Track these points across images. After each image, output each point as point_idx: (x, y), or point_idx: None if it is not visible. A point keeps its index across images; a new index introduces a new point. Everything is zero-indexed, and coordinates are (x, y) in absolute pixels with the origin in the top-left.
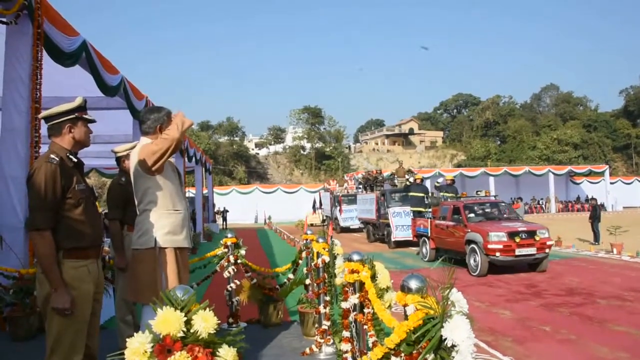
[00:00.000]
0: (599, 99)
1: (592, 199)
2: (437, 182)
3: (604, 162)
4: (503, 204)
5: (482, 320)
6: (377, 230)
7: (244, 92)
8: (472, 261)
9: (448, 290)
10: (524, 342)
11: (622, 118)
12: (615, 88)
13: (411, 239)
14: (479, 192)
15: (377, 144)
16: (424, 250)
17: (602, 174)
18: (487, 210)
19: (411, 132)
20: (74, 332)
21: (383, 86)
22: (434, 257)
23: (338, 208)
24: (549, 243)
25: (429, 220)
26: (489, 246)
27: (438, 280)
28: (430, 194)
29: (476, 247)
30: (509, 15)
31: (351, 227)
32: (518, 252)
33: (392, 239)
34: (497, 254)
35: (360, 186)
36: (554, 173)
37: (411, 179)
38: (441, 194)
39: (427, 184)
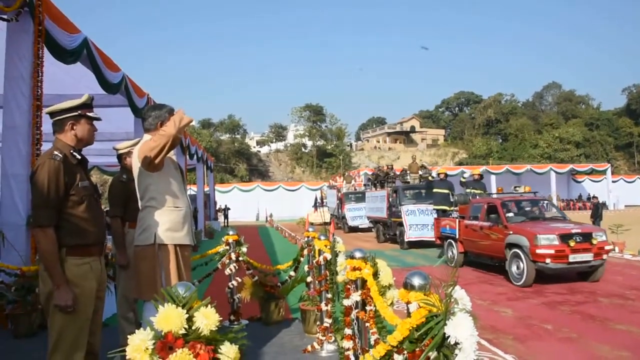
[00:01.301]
0: (601, 98)
1: (594, 197)
2: (463, 178)
3: (606, 160)
4: (546, 202)
5: (483, 318)
6: (388, 229)
7: (245, 90)
8: (514, 268)
9: (451, 288)
10: (526, 341)
11: (624, 116)
12: (617, 86)
13: (427, 239)
14: (517, 188)
15: (378, 141)
16: (449, 254)
17: (604, 172)
18: (529, 208)
19: (413, 130)
20: (76, 330)
21: (385, 84)
22: (462, 262)
23: (344, 205)
24: (607, 248)
25: (457, 220)
26: (538, 251)
27: (441, 278)
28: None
29: (520, 252)
30: (511, 13)
31: (360, 226)
32: (572, 258)
33: (406, 239)
34: (547, 260)
35: (369, 183)
36: (555, 171)
37: (434, 174)
38: (467, 190)
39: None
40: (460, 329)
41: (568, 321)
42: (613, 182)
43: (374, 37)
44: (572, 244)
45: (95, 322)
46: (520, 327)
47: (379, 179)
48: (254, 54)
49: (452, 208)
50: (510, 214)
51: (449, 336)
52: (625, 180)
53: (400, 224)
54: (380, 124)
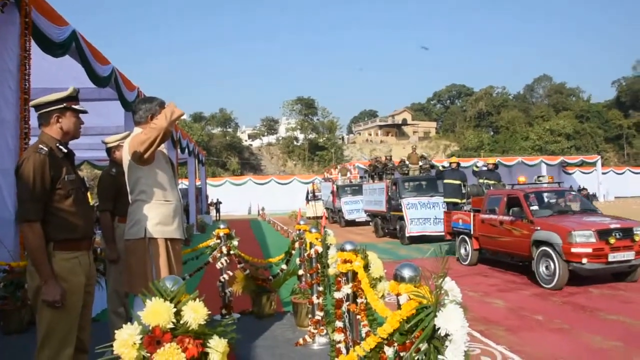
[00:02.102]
0: (592, 90)
1: (584, 189)
2: (476, 167)
3: (596, 152)
4: (573, 194)
5: (475, 309)
6: (387, 223)
7: (237, 84)
8: (542, 269)
9: (441, 280)
10: (517, 332)
11: (614, 109)
12: (607, 79)
13: (429, 234)
14: (540, 178)
15: (370, 134)
16: (462, 251)
17: (594, 164)
18: (553, 200)
19: (404, 122)
20: (65, 325)
21: (376, 77)
22: (477, 260)
23: (340, 199)
24: None
25: (471, 214)
26: (573, 250)
27: (431, 270)
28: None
29: (551, 251)
30: (503, 6)
31: (357, 220)
32: (612, 257)
33: (407, 234)
34: (584, 260)
35: (367, 175)
36: (546, 163)
37: (445, 164)
38: (480, 181)
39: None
40: (451, 320)
41: (559, 312)
42: (603, 173)
43: (365, 31)
44: (612, 241)
45: (84, 318)
46: (511, 318)
47: (377, 170)
48: (246, 47)
49: (463, 200)
50: (535, 207)
51: (439, 328)
52: (615, 172)
53: (401, 218)
54: (372, 116)
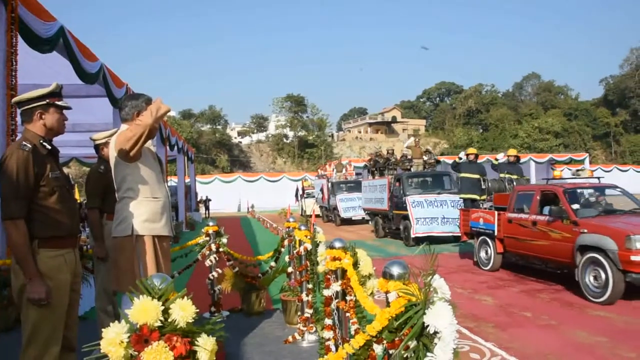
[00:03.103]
0: (580, 88)
1: None
2: (496, 159)
3: (584, 150)
4: (618, 190)
5: (464, 306)
6: (389, 223)
7: (226, 80)
8: (589, 279)
9: (430, 277)
10: (506, 328)
11: (601, 107)
12: (595, 77)
13: (436, 234)
14: (579, 172)
15: (360, 132)
16: (483, 254)
17: (582, 162)
18: (594, 199)
19: (394, 120)
20: (51, 323)
21: (366, 75)
22: (500, 264)
23: (335, 196)
24: None
25: (495, 212)
26: (633, 257)
27: (421, 267)
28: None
29: (602, 258)
30: (492, 4)
31: (353, 218)
32: None
33: (412, 235)
34: None
35: (367, 170)
36: (535, 161)
37: (461, 155)
38: (500, 175)
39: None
40: (439, 318)
41: (547, 308)
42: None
43: (355, 28)
44: None
45: (71, 316)
46: (500, 315)
47: (378, 165)
48: (235, 44)
49: (483, 197)
50: (575, 206)
51: (428, 325)
52: (602, 170)
53: (405, 217)
54: (362, 114)
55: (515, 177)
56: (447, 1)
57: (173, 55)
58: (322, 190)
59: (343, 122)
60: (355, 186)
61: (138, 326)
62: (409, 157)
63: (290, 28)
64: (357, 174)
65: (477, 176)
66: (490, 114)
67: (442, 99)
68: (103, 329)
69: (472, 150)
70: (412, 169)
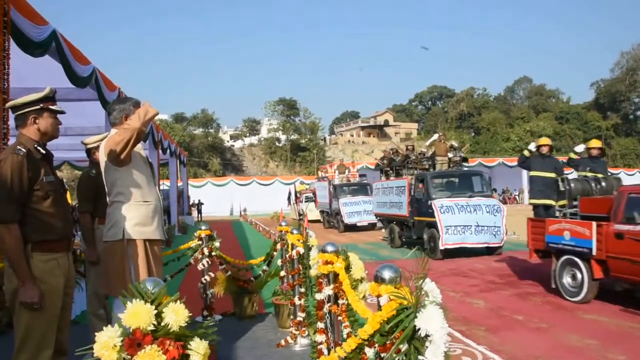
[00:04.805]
0: (571, 92)
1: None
2: (574, 153)
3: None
4: None
5: (456, 309)
6: (408, 231)
7: (218, 84)
8: None
9: (421, 281)
10: (497, 331)
11: (593, 110)
12: (586, 81)
13: (469, 246)
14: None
15: (352, 135)
16: (568, 280)
17: None
18: None
19: (386, 123)
20: (43, 327)
21: (358, 78)
22: (595, 294)
23: (338, 200)
24: None
25: (593, 224)
26: None
27: (412, 271)
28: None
29: None
30: (484, 8)
31: (358, 224)
32: None
33: (441, 246)
34: None
35: (379, 170)
36: None
37: (531, 147)
38: (579, 173)
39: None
40: (431, 321)
41: (539, 311)
42: None
43: (347, 31)
44: None
45: (63, 319)
46: (492, 318)
47: (394, 164)
48: (228, 48)
49: (561, 202)
50: None
51: (419, 328)
52: None
53: (430, 225)
54: (354, 118)
55: (601, 175)
56: (439, 5)
57: (165, 58)
58: (314, 194)
59: (335, 126)
60: (360, 189)
61: (131, 330)
62: (427, 154)
63: (282, 31)
64: (360, 175)
65: (552, 175)
66: (482, 117)
67: (434, 103)
68: (96, 333)
69: (545, 140)
70: (435, 167)
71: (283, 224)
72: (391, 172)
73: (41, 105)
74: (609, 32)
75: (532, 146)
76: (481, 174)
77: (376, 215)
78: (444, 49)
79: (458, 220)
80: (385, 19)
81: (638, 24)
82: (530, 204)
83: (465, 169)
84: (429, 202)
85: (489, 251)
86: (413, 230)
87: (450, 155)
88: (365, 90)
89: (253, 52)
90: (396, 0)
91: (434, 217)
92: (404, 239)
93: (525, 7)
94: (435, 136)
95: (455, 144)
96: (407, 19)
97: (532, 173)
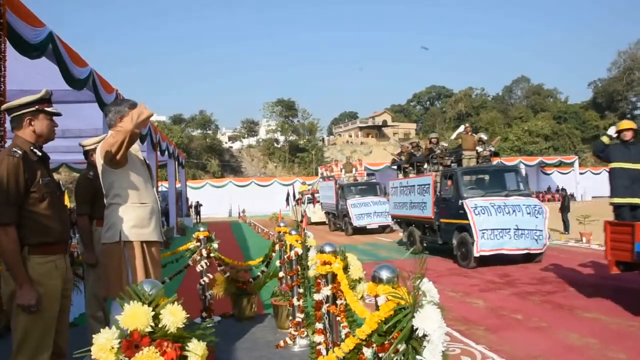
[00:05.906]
0: (569, 91)
1: (562, 189)
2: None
3: (574, 153)
4: None
5: (455, 309)
6: (432, 235)
7: (216, 85)
8: None
9: (419, 280)
10: (497, 331)
11: (590, 110)
12: (583, 80)
13: (507, 252)
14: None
15: (350, 136)
16: None
17: (571, 164)
18: None
19: (385, 124)
20: (41, 330)
21: (356, 79)
22: None
23: (346, 201)
24: None
25: None
26: None
27: (410, 271)
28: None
29: None
30: (482, 8)
31: (368, 226)
32: None
33: (476, 253)
34: None
35: (396, 166)
36: (525, 164)
37: (611, 132)
38: (616, 165)
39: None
40: (428, 321)
41: (538, 311)
42: (580, 174)
43: (345, 32)
44: None
45: (61, 322)
46: (491, 318)
47: (414, 160)
48: (226, 49)
49: None
50: None
51: (417, 328)
52: (592, 172)
53: (461, 228)
54: (353, 118)
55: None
56: (437, 6)
57: (163, 60)
58: (313, 194)
59: (334, 127)
60: (369, 189)
61: (129, 332)
62: (448, 149)
63: (280, 31)
64: (369, 174)
65: (638, 166)
66: (481, 117)
67: (433, 103)
68: (94, 335)
69: (628, 123)
70: (462, 163)
71: (282, 224)
72: (411, 168)
73: (37, 107)
74: (605, 31)
75: (611, 131)
76: (517, 170)
77: (393, 217)
78: (442, 49)
79: (495, 222)
80: (383, 20)
81: (635, 22)
82: (611, 204)
83: (494, 163)
84: (460, 202)
85: (529, 258)
86: (439, 234)
87: (479, 149)
88: (364, 91)
89: (251, 53)
90: (393, 1)
91: (466, 219)
92: (425, 244)
93: (524, 7)
94: (462, 128)
95: (484, 136)
96: (405, 20)
97: (613, 165)
